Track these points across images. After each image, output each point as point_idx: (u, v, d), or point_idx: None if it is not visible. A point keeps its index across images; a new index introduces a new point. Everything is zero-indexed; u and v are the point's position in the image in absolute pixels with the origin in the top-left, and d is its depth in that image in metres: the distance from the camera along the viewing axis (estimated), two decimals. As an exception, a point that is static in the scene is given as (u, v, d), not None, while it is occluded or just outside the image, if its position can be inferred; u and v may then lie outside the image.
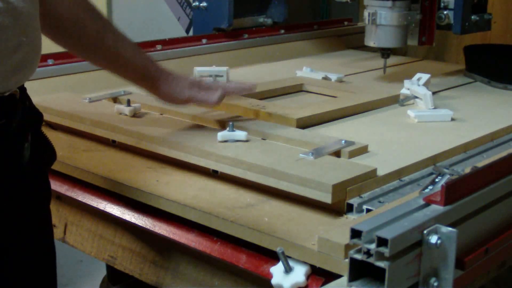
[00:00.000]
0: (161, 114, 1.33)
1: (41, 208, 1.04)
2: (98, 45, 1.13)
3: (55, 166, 1.20)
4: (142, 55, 1.20)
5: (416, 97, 1.49)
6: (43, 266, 1.05)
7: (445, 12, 1.68)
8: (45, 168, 1.05)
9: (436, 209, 0.78)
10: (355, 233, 0.73)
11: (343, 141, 1.15)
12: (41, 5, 0.96)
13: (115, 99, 1.44)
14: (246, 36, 2.03)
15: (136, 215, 1.09)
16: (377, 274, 0.72)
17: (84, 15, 1.10)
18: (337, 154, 1.13)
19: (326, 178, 0.98)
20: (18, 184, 0.94)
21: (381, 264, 0.70)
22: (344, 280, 0.81)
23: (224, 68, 1.69)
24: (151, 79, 1.19)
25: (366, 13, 1.66)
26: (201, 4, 2.03)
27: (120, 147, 1.25)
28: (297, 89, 1.62)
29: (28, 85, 0.97)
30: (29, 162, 0.95)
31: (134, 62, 1.17)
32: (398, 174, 1.08)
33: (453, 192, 0.80)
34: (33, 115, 1.00)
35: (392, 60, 1.85)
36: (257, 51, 2.00)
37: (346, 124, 1.36)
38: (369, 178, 1.02)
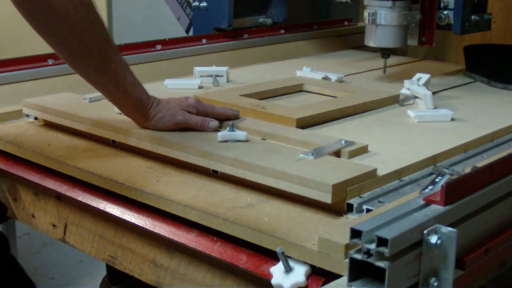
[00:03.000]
0: (161, 114, 1.33)
1: None
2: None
3: (55, 166, 1.20)
4: (137, 84, 1.17)
5: (416, 97, 1.49)
6: None
7: (445, 12, 1.68)
8: None
9: (436, 209, 0.78)
10: (355, 233, 0.73)
11: (343, 141, 1.15)
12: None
13: (115, 99, 1.44)
14: (246, 36, 2.03)
15: (136, 215, 1.09)
16: (377, 274, 0.72)
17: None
18: (337, 154, 1.13)
19: (326, 178, 0.98)
20: None
21: (381, 264, 0.70)
22: (344, 280, 0.81)
23: (224, 68, 1.69)
24: (144, 110, 1.18)
25: (366, 13, 1.66)
26: (201, 4, 2.03)
27: (120, 147, 1.25)
28: (297, 89, 1.62)
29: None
30: None
31: (132, 94, 1.16)
32: (398, 174, 1.08)
33: (453, 192, 0.80)
34: None
35: (392, 60, 1.85)
36: (257, 51, 2.00)
37: (346, 124, 1.36)
38: (369, 178, 1.02)
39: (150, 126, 1.20)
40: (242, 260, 0.95)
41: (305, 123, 1.31)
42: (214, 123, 1.21)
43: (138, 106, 1.18)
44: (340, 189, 0.97)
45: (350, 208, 0.98)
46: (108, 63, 1.11)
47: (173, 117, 1.19)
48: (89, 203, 1.15)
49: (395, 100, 1.50)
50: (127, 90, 1.15)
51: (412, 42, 1.73)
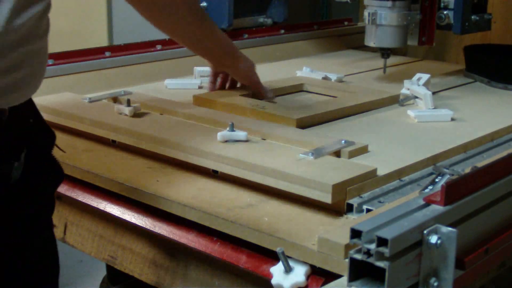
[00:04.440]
0: (161, 114, 1.33)
1: (39, 229, 0.99)
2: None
3: (55, 166, 1.20)
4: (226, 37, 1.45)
5: (416, 97, 1.49)
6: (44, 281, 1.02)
7: (445, 12, 1.68)
8: (48, 189, 1.00)
9: (436, 209, 0.78)
10: (355, 233, 0.73)
11: (343, 141, 1.15)
12: None
13: (115, 99, 1.44)
14: (246, 36, 2.03)
15: (136, 215, 1.09)
16: (377, 274, 0.72)
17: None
18: (337, 154, 1.13)
19: (326, 178, 0.98)
20: (6, 203, 0.90)
21: (381, 264, 0.70)
22: (344, 280, 0.81)
23: (224, 68, 1.69)
24: (232, 57, 1.45)
25: (366, 13, 1.66)
26: (201, 4, 2.03)
27: (120, 147, 1.25)
28: (297, 89, 1.62)
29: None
30: (24, 181, 0.90)
31: (223, 40, 1.43)
32: (398, 174, 1.08)
33: (453, 192, 0.80)
34: (38, 132, 0.96)
35: (392, 60, 1.85)
36: (257, 51, 2.00)
37: (346, 124, 1.36)
38: (369, 178, 1.02)
39: (236, 74, 1.49)
40: (242, 260, 0.95)
41: (305, 123, 1.31)
42: (270, 94, 1.48)
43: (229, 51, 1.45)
44: (340, 189, 0.97)
45: (350, 208, 0.98)
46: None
47: (252, 72, 1.47)
48: (89, 203, 1.15)
49: (395, 100, 1.50)
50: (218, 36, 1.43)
51: (412, 42, 1.73)
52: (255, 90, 1.48)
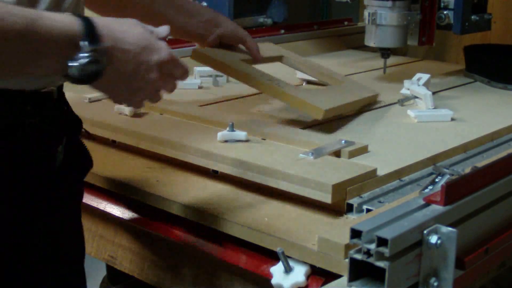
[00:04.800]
0: (161, 114, 1.33)
1: (71, 216, 1.00)
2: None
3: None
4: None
5: (416, 97, 1.49)
6: (72, 273, 1.03)
7: (445, 12, 1.68)
8: (79, 176, 1.02)
9: (436, 209, 0.78)
10: (355, 233, 0.73)
11: (343, 141, 1.15)
12: None
13: (115, 99, 1.44)
14: (246, 36, 2.03)
15: (136, 215, 1.09)
16: (377, 274, 0.72)
17: None
18: (337, 154, 1.13)
19: (326, 178, 0.98)
20: (49, 187, 0.91)
21: (381, 264, 0.70)
22: (344, 280, 0.81)
23: (224, 68, 1.69)
24: (213, 19, 1.38)
25: (366, 13, 1.66)
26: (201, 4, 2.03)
27: (120, 147, 1.25)
28: (275, 60, 1.59)
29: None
30: (62, 167, 0.92)
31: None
32: (398, 174, 1.08)
33: (453, 192, 0.80)
34: (71, 121, 0.98)
35: (392, 60, 1.85)
36: (257, 51, 1.99)
37: (346, 124, 1.36)
38: (369, 178, 1.02)
39: (224, 32, 1.40)
40: (242, 260, 0.95)
41: (329, 115, 1.29)
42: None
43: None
44: (340, 189, 0.97)
45: (350, 208, 0.98)
46: None
47: (239, 28, 1.44)
48: (89, 203, 1.15)
49: (395, 100, 1.50)
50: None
51: (412, 42, 1.73)
52: (250, 45, 1.42)
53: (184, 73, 0.94)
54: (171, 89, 0.94)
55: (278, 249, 0.88)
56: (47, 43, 0.76)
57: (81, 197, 1.05)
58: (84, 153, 1.02)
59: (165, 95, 0.95)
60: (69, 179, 0.97)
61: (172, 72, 0.91)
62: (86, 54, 0.78)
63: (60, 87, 0.94)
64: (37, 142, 0.88)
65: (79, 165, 1.01)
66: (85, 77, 0.80)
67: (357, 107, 1.43)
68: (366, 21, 1.66)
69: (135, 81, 0.86)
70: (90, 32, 0.79)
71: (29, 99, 0.86)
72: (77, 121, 1.01)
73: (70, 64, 0.79)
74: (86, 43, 0.78)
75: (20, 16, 0.74)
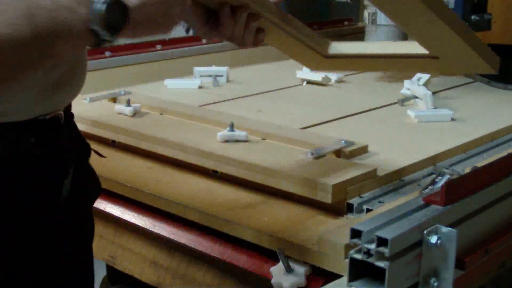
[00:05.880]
0: (161, 114, 1.33)
1: (80, 248, 0.94)
2: None
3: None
4: None
5: (416, 97, 1.49)
6: None
7: (445, 12, 1.68)
8: (88, 205, 0.96)
9: (436, 209, 0.78)
10: (355, 233, 0.73)
11: (343, 141, 1.15)
12: None
13: (115, 99, 1.44)
14: (246, 36, 2.03)
15: (136, 215, 1.09)
16: (377, 274, 0.72)
17: None
18: (337, 154, 1.13)
19: (326, 178, 0.98)
20: (53, 225, 0.84)
21: (381, 264, 0.70)
22: (344, 280, 0.81)
23: (224, 68, 1.69)
24: None
25: (366, 13, 1.66)
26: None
27: (120, 147, 1.25)
28: None
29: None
30: (68, 200, 0.86)
31: None
32: (398, 174, 1.08)
33: (453, 192, 0.80)
34: (78, 147, 0.91)
35: (392, 60, 1.85)
36: (257, 51, 1.99)
37: (346, 124, 1.36)
38: (369, 178, 1.02)
39: None
40: (242, 260, 0.95)
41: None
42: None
43: None
44: (340, 189, 0.97)
45: (350, 208, 0.98)
46: None
47: None
48: (89, 203, 1.15)
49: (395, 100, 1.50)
50: None
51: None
52: None
53: None
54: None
55: (278, 249, 0.88)
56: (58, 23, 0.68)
57: (92, 226, 0.98)
58: (93, 179, 0.96)
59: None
60: (76, 211, 0.90)
61: None
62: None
63: (68, 109, 0.87)
64: (42, 176, 0.81)
65: (87, 194, 0.95)
66: (112, 24, 0.70)
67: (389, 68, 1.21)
68: (366, 21, 1.66)
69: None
70: None
71: (33, 130, 0.79)
72: (85, 145, 0.95)
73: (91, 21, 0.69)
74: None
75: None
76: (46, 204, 0.83)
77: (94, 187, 0.97)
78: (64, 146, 0.84)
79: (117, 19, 0.72)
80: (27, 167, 0.79)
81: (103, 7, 0.70)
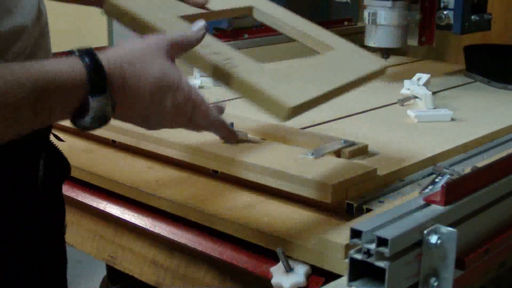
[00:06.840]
0: (161, 114, 1.33)
1: (54, 231, 0.96)
2: None
3: (55, 166, 1.20)
4: None
5: (416, 97, 1.49)
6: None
7: (445, 12, 1.68)
8: (59, 184, 0.97)
9: (436, 209, 0.78)
10: (355, 233, 0.73)
11: (343, 141, 1.15)
12: None
13: (115, 99, 1.44)
14: (246, 36, 2.03)
15: (136, 215, 1.09)
16: (377, 274, 0.72)
17: None
18: (337, 154, 1.13)
19: (326, 178, 0.98)
20: (31, 208, 0.87)
21: (381, 264, 0.70)
22: (344, 280, 0.81)
23: (224, 68, 1.68)
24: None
25: (366, 13, 1.66)
26: (201, 4, 2.02)
27: (120, 147, 1.25)
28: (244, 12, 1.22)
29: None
30: (43, 181, 0.87)
31: None
32: (398, 174, 1.08)
33: (453, 192, 0.80)
34: (49, 126, 0.92)
35: (392, 60, 1.85)
36: (257, 51, 2.00)
37: (346, 124, 1.36)
38: (369, 178, 1.02)
39: None
40: (242, 260, 0.95)
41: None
42: None
43: None
44: (340, 189, 0.97)
45: (350, 208, 0.98)
46: None
47: None
48: (89, 203, 1.15)
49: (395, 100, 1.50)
50: None
51: (412, 42, 1.73)
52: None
53: (204, 117, 0.87)
54: (194, 129, 0.88)
55: (278, 249, 0.88)
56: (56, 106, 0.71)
57: (63, 209, 0.99)
58: (60, 157, 0.97)
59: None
60: (50, 191, 0.91)
61: (189, 115, 0.86)
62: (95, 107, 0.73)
63: None
64: (19, 157, 0.83)
65: (58, 172, 0.96)
66: (96, 126, 0.75)
67: (348, 90, 1.10)
68: (366, 21, 1.66)
69: (151, 116, 0.84)
70: (99, 83, 0.73)
71: None
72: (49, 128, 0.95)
73: (78, 122, 0.74)
74: (95, 99, 0.73)
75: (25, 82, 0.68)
76: (25, 185, 0.85)
77: (64, 165, 0.98)
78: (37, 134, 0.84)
79: (100, 125, 0.77)
80: (5, 149, 0.78)
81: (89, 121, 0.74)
